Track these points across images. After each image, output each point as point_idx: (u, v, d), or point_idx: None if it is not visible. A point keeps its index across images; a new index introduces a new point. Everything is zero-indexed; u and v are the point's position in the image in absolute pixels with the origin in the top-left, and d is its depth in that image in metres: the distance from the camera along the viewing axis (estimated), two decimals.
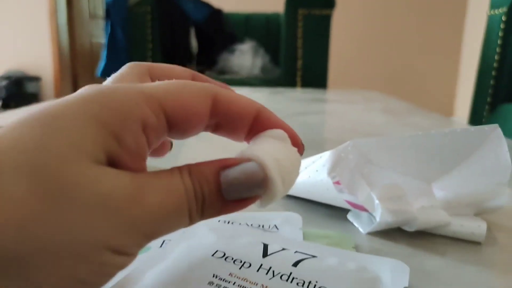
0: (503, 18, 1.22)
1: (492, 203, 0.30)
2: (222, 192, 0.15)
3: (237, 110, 0.17)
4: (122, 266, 0.14)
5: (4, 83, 3.12)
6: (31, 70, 3.29)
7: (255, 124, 0.18)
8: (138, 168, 0.15)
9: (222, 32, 1.95)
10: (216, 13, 1.95)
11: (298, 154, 0.18)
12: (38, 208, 0.12)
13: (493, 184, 0.29)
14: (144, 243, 0.14)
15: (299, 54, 1.57)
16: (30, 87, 3.25)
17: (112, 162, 0.14)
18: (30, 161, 0.12)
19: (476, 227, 0.28)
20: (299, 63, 1.58)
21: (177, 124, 0.16)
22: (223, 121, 0.17)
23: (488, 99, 1.28)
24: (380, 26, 2.69)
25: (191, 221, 0.15)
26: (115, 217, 0.13)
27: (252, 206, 0.31)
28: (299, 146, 0.19)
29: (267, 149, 0.16)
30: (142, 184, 0.14)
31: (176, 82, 0.16)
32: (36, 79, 3.28)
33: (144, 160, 0.15)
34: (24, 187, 0.12)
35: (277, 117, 0.19)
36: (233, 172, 0.15)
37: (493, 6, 1.29)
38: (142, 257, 0.24)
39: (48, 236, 0.12)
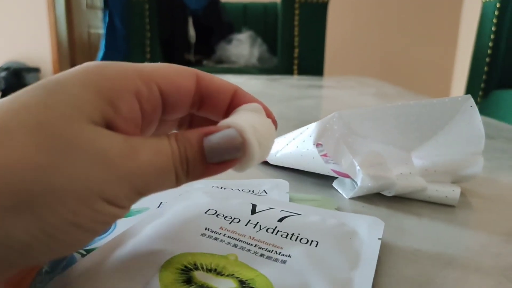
0: (497, 5, 1.23)
1: (468, 172, 0.32)
2: (205, 156, 0.17)
3: (217, 86, 0.20)
4: (115, 216, 0.16)
5: (3, 74, 3.13)
6: (30, 61, 3.29)
7: (232, 102, 0.20)
8: (132, 134, 0.17)
9: (220, 22, 1.96)
10: (214, 3, 1.96)
11: (272, 125, 0.20)
12: (46, 159, 0.14)
13: (468, 153, 0.31)
14: (135, 198, 0.16)
15: (296, 42, 1.58)
16: (29, 78, 3.26)
17: (108, 126, 0.16)
18: (36, 119, 0.14)
19: (450, 191, 0.30)
20: (296, 51, 1.59)
21: (167, 96, 0.18)
22: (206, 97, 0.20)
23: (482, 85, 1.30)
24: (376, 13, 2.69)
25: (178, 181, 0.17)
26: (110, 170, 0.15)
27: (242, 175, 0.33)
28: (273, 121, 0.21)
29: (245, 118, 0.19)
30: (134, 144, 0.16)
31: (164, 64, 0.19)
32: (35, 70, 3.29)
33: (138, 127, 0.17)
34: (33, 141, 0.14)
35: (253, 96, 0.21)
36: (214, 138, 0.17)
37: None
38: (141, 215, 0.26)
39: (55, 182, 0.14)
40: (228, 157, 0.17)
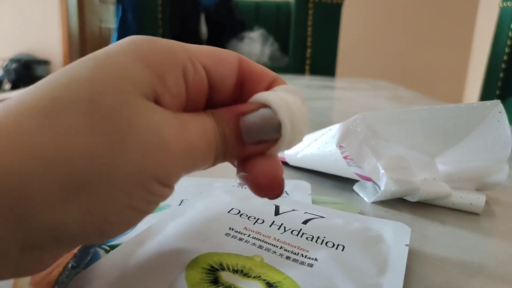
0: None
1: (492, 179, 0.31)
2: (242, 135, 0.17)
3: (259, 70, 0.19)
4: (165, 197, 0.16)
5: (13, 66, 3.15)
6: (41, 54, 3.31)
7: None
8: (177, 111, 0.16)
9: (232, 19, 1.96)
10: (226, 0, 1.96)
11: (306, 109, 0.19)
12: (101, 141, 0.13)
13: (493, 160, 0.31)
14: (181, 176, 0.16)
15: (309, 42, 1.58)
16: (40, 71, 3.28)
17: (156, 102, 0.15)
18: (90, 95, 0.14)
19: (475, 199, 0.30)
20: (308, 51, 1.58)
21: (212, 72, 0.17)
22: (246, 80, 0.18)
23: (497, 92, 1.28)
24: (390, 16, 2.67)
25: (216, 160, 0.17)
26: (164, 151, 0.14)
27: None
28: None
29: (281, 96, 0.18)
30: (183, 122, 0.15)
31: (206, 46, 0.18)
32: (45, 62, 3.31)
33: (182, 105, 0.17)
34: (87, 122, 0.13)
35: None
36: (251, 117, 0.17)
37: None
38: (163, 213, 0.26)
39: (110, 166, 0.13)
40: (265, 137, 0.17)
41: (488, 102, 0.28)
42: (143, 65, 0.15)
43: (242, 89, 0.19)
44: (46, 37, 3.32)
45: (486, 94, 1.30)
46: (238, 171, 0.18)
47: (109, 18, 3.47)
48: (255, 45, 1.89)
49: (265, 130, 0.17)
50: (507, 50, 1.23)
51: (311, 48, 1.58)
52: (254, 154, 0.17)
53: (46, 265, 0.14)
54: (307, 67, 1.60)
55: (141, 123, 0.14)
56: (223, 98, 0.18)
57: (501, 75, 1.25)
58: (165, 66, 0.15)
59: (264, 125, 0.17)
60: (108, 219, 0.14)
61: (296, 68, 1.61)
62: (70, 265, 0.19)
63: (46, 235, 0.13)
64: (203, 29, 1.98)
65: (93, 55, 0.15)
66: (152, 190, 0.14)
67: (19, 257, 0.13)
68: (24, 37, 3.33)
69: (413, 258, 0.23)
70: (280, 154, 0.22)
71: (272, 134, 0.17)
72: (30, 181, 0.12)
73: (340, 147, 0.31)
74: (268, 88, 0.19)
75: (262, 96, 0.17)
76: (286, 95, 0.18)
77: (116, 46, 0.16)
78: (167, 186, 0.15)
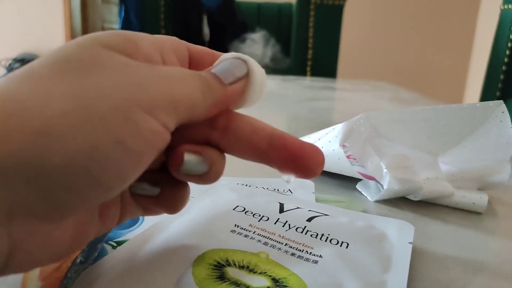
0: None
1: (495, 179, 0.31)
2: (220, 77, 0.18)
3: (200, 49, 0.20)
4: (157, 134, 0.14)
5: (17, 65, 3.16)
6: (44, 54, 3.31)
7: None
8: None
9: (234, 20, 1.96)
10: (228, 1, 1.96)
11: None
12: (68, 84, 0.14)
13: (496, 160, 0.31)
14: (172, 115, 0.15)
15: (310, 43, 1.58)
16: None
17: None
18: (54, 54, 0.15)
19: (477, 198, 0.30)
20: (310, 52, 1.59)
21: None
22: (192, 59, 0.20)
23: (497, 94, 1.28)
24: (392, 18, 2.67)
25: (205, 99, 0.17)
26: (140, 76, 0.15)
27: (266, 173, 0.33)
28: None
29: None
30: (157, 67, 0.16)
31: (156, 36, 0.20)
32: None
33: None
34: (56, 69, 0.14)
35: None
36: (220, 65, 0.18)
37: (506, 1, 1.29)
38: None
39: (88, 96, 0.13)
40: (238, 73, 0.18)
41: (491, 102, 0.29)
42: (111, 34, 0.16)
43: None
44: (49, 37, 3.32)
45: (487, 96, 1.30)
46: (282, 172, 0.19)
47: (112, 18, 3.48)
48: (256, 46, 1.89)
49: (234, 66, 0.18)
50: (507, 52, 1.24)
51: (312, 49, 1.58)
52: (237, 94, 0.18)
53: (41, 242, 0.13)
54: (308, 69, 1.60)
55: (113, 59, 0.15)
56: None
57: (502, 77, 1.25)
58: (134, 35, 0.17)
59: (232, 63, 0.18)
60: (94, 157, 0.13)
61: (298, 69, 1.61)
62: (78, 260, 0.19)
63: (29, 183, 0.12)
64: (205, 30, 1.98)
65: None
66: (137, 120, 0.14)
67: (8, 223, 0.12)
68: (27, 37, 3.34)
69: (416, 256, 0.24)
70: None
71: (242, 68, 0.18)
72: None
73: (343, 146, 0.31)
74: (211, 61, 0.20)
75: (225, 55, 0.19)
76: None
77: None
78: (157, 118, 0.14)
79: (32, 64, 0.14)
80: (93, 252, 0.20)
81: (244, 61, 0.19)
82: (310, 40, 1.57)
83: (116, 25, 1.87)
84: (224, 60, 0.19)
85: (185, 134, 0.18)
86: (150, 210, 0.20)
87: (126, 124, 0.13)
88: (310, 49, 1.58)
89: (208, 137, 0.18)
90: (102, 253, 0.21)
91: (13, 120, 0.12)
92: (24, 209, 0.12)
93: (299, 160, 0.18)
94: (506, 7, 1.30)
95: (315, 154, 0.18)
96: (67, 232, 0.15)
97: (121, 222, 0.19)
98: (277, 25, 2.00)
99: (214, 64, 0.19)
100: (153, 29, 1.66)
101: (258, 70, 0.19)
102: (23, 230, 0.12)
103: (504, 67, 1.26)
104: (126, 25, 1.66)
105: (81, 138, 0.12)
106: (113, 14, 3.41)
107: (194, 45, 0.21)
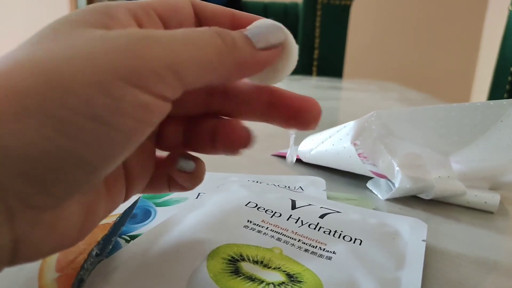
0: None
1: (507, 178, 0.31)
2: (251, 38, 0.16)
3: (212, 9, 0.18)
4: (148, 108, 0.13)
5: None
6: None
7: (234, 27, 0.18)
8: None
9: None
10: (234, 1, 1.96)
11: None
12: (45, 54, 0.12)
13: (508, 159, 0.31)
14: (173, 82, 0.13)
15: (316, 43, 1.58)
16: None
17: None
18: (33, 38, 0.14)
19: (489, 197, 0.30)
20: (316, 52, 1.58)
21: (167, 19, 0.17)
22: (205, 19, 0.18)
23: (505, 95, 1.27)
24: (398, 18, 2.66)
25: (221, 55, 0.14)
26: (120, 43, 0.13)
27: (277, 171, 0.33)
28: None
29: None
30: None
31: None
32: None
33: None
34: (30, 45, 0.13)
35: (254, 16, 0.19)
36: (255, 25, 0.17)
37: None
38: (181, 205, 0.26)
39: (59, 71, 0.12)
40: (273, 40, 0.16)
41: (504, 101, 0.28)
42: (87, 12, 0.15)
43: None
44: None
45: (494, 97, 1.29)
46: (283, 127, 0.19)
47: None
48: None
49: (270, 31, 0.16)
50: None
51: (319, 49, 1.58)
52: (268, 61, 0.16)
53: (46, 231, 0.13)
54: (314, 69, 1.60)
55: (86, 33, 0.13)
56: None
57: (509, 78, 1.24)
58: (110, 8, 0.15)
59: (270, 27, 0.16)
60: (72, 135, 0.12)
61: (304, 69, 1.61)
62: (94, 253, 0.19)
63: (13, 172, 0.11)
64: None
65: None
66: (117, 95, 0.12)
67: (8, 219, 0.12)
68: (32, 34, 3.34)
69: (429, 254, 0.23)
70: (293, 153, 0.22)
71: (279, 35, 0.17)
72: None
73: (355, 144, 0.31)
74: (232, 26, 0.18)
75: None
76: None
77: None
78: (147, 90, 0.13)
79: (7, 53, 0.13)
80: (108, 245, 0.20)
81: (282, 29, 0.17)
82: (317, 40, 1.57)
83: None
84: (260, 25, 0.17)
85: (182, 105, 0.17)
86: (176, 186, 0.20)
87: (102, 99, 0.12)
88: (316, 49, 1.58)
89: (208, 105, 0.18)
90: (116, 247, 0.21)
91: None
92: (18, 201, 0.12)
93: (299, 116, 0.18)
94: None
95: (313, 107, 0.18)
96: (73, 217, 0.14)
97: (128, 197, 0.19)
98: (284, 24, 1.99)
99: (248, 28, 0.17)
100: None
101: (294, 43, 0.17)
102: (25, 223, 0.12)
103: None
104: None
105: (53, 114, 0.11)
106: None
107: (207, 3, 0.18)
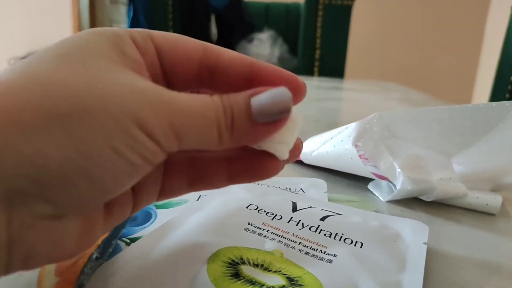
0: None
1: (508, 180, 0.31)
2: (252, 114, 0.16)
3: (229, 58, 0.18)
4: (153, 153, 0.14)
5: None
6: None
7: (253, 77, 0.18)
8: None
9: (242, 20, 1.96)
10: (236, 1, 1.96)
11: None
12: (78, 80, 0.13)
13: (510, 161, 0.31)
14: (172, 139, 0.15)
15: (318, 44, 1.58)
16: None
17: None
18: (60, 50, 0.14)
19: (491, 199, 0.29)
20: (318, 52, 1.58)
21: (165, 55, 0.17)
22: (217, 71, 0.18)
23: (507, 96, 1.27)
24: (400, 18, 2.66)
25: (220, 137, 0.16)
26: (144, 96, 0.14)
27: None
28: (301, 86, 0.19)
29: None
30: (166, 89, 0.15)
31: (174, 34, 0.18)
32: None
33: (147, 76, 0.17)
34: (62, 66, 0.14)
35: (275, 67, 0.18)
36: (263, 96, 0.16)
37: None
38: (182, 207, 0.26)
39: (89, 101, 0.13)
40: (276, 116, 0.16)
41: (507, 103, 0.28)
42: (103, 36, 0.16)
43: (213, 80, 0.18)
44: (57, 36, 3.33)
45: (496, 98, 1.29)
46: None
47: (120, 18, 3.49)
48: (264, 46, 1.89)
49: (277, 107, 0.16)
50: None
51: (320, 49, 1.58)
52: (263, 136, 0.16)
53: (42, 236, 0.13)
54: (316, 69, 1.60)
55: (115, 74, 0.14)
56: (184, 84, 0.18)
57: (511, 79, 1.24)
58: (118, 37, 0.16)
59: (277, 102, 0.16)
60: (91, 157, 0.13)
61: (305, 69, 1.61)
62: (94, 256, 0.19)
63: (27, 176, 0.12)
64: (213, 30, 1.98)
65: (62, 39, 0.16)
66: (134, 135, 0.14)
67: (7, 207, 0.12)
68: (35, 36, 3.36)
69: (431, 257, 0.23)
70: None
71: (284, 113, 0.16)
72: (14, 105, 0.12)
73: (356, 145, 0.31)
74: (250, 76, 0.18)
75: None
76: None
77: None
78: (153, 139, 0.14)
79: (30, 59, 0.14)
80: (108, 248, 0.20)
81: (288, 107, 0.16)
82: (318, 40, 1.57)
83: (125, 25, 1.88)
84: (269, 97, 0.16)
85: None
86: (203, 182, 0.20)
87: (120, 135, 0.13)
88: (318, 49, 1.58)
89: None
90: (116, 250, 0.21)
91: (6, 112, 0.12)
92: (23, 199, 0.12)
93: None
94: None
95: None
96: (72, 229, 0.14)
97: (137, 211, 0.19)
98: (285, 25, 2.00)
99: (257, 97, 0.16)
100: (161, 29, 1.66)
101: (298, 119, 0.17)
102: (22, 220, 0.12)
103: None
104: (135, 25, 1.67)
105: (76, 137, 0.13)
106: (121, 14, 3.42)
107: (225, 50, 0.18)
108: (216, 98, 0.16)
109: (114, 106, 0.13)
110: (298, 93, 0.18)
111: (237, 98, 0.16)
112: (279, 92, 0.16)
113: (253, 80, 0.18)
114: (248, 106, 0.16)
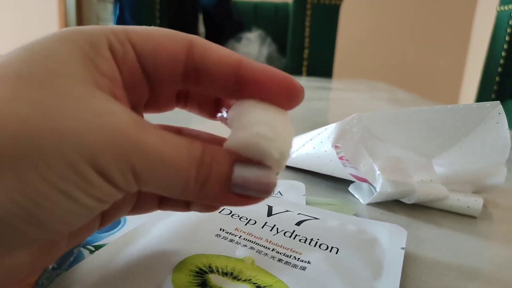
0: None
1: (490, 181, 0.30)
2: (230, 184, 0.15)
3: (217, 57, 0.16)
4: (109, 195, 0.14)
5: None
6: None
7: (240, 78, 0.16)
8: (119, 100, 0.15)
9: (231, 19, 1.95)
10: (224, 1, 1.95)
11: (287, 115, 0.17)
12: (32, 111, 0.12)
13: (491, 162, 0.30)
14: (131, 181, 0.14)
15: (306, 43, 1.57)
16: None
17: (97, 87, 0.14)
18: (17, 73, 0.13)
19: (472, 202, 0.29)
20: (306, 52, 1.58)
21: (146, 59, 0.15)
22: (202, 69, 0.16)
23: (493, 96, 1.28)
24: (388, 18, 2.67)
25: (185, 188, 0.14)
26: (104, 135, 0.13)
27: None
28: (296, 90, 0.16)
29: (273, 131, 0.15)
30: (142, 123, 0.14)
31: (154, 27, 0.16)
32: None
33: (120, 88, 0.15)
34: (14, 93, 0.12)
35: (264, 66, 0.16)
36: (248, 172, 0.15)
37: (503, 2, 1.29)
38: (152, 213, 0.25)
39: (42, 138, 0.12)
40: (253, 194, 0.15)
41: (487, 103, 0.28)
42: (73, 46, 0.14)
43: (198, 79, 0.16)
44: (43, 34, 3.29)
45: (482, 98, 1.30)
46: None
47: (107, 16, 3.46)
48: (253, 45, 1.88)
49: (257, 188, 0.15)
50: (503, 54, 1.23)
51: (308, 49, 1.57)
52: (232, 204, 0.16)
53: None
54: (304, 68, 1.59)
55: (77, 101, 0.13)
56: (169, 86, 0.17)
57: (497, 79, 1.25)
58: (93, 47, 0.14)
59: (258, 184, 0.15)
60: (41, 204, 0.12)
61: (294, 69, 1.60)
62: (50, 267, 0.18)
63: None
64: (201, 29, 1.97)
65: (22, 45, 0.14)
66: (88, 178, 0.13)
67: None
68: (22, 34, 3.31)
69: (409, 262, 0.23)
70: None
71: (262, 195, 0.15)
72: None
73: (336, 147, 0.30)
74: (237, 76, 0.16)
75: (258, 142, 0.15)
76: (272, 119, 0.16)
77: (45, 36, 0.15)
78: (109, 181, 0.13)
79: None
80: (69, 257, 0.19)
81: (274, 185, 0.15)
82: (307, 40, 1.57)
83: (111, 22, 1.86)
84: (255, 167, 0.15)
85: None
86: (169, 204, 0.19)
87: (72, 177, 0.12)
88: (306, 49, 1.57)
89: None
90: (79, 258, 0.19)
91: None
92: None
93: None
94: (502, 8, 1.30)
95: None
96: (26, 257, 0.14)
97: (106, 225, 0.18)
98: (274, 24, 1.99)
99: (237, 166, 0.15)
100: None
101: (284, 157, 0.16)
102: None
103: (500, 69, 1.26)
104: (121, 23, 1.65)
105: (24, 181, 0.12)
106: (108, 11, 3.39)
107: (215, 47, 0.16)
108: (196, 147, 0.14)
109: (71, 146, 0.12)
110: (293, 97, 0.16)
111: (221, 159, 0.15)
112: (266, 175, 0.15)
113: (241, 82, 0.16)
114: (229, 171, 0.15)
